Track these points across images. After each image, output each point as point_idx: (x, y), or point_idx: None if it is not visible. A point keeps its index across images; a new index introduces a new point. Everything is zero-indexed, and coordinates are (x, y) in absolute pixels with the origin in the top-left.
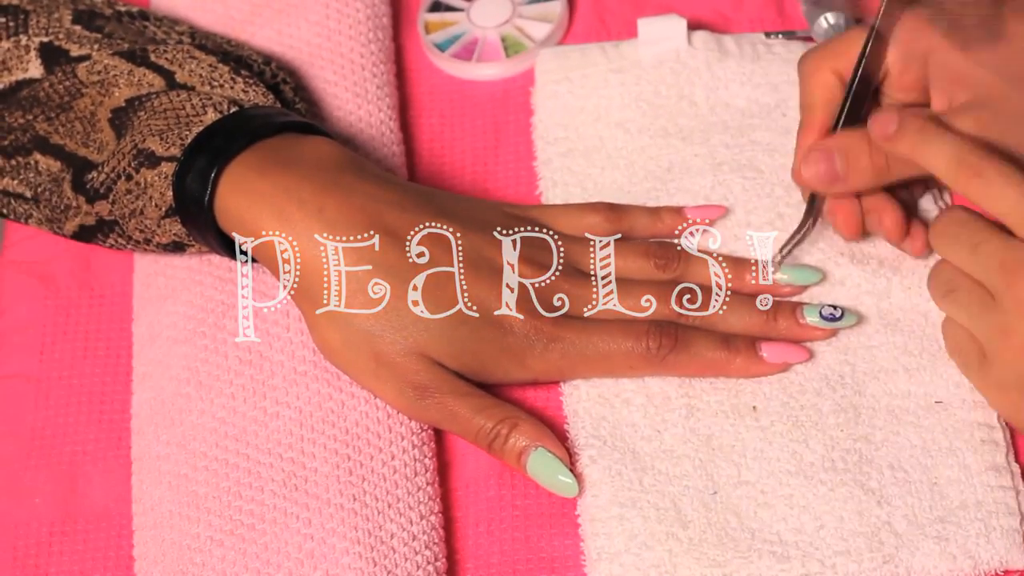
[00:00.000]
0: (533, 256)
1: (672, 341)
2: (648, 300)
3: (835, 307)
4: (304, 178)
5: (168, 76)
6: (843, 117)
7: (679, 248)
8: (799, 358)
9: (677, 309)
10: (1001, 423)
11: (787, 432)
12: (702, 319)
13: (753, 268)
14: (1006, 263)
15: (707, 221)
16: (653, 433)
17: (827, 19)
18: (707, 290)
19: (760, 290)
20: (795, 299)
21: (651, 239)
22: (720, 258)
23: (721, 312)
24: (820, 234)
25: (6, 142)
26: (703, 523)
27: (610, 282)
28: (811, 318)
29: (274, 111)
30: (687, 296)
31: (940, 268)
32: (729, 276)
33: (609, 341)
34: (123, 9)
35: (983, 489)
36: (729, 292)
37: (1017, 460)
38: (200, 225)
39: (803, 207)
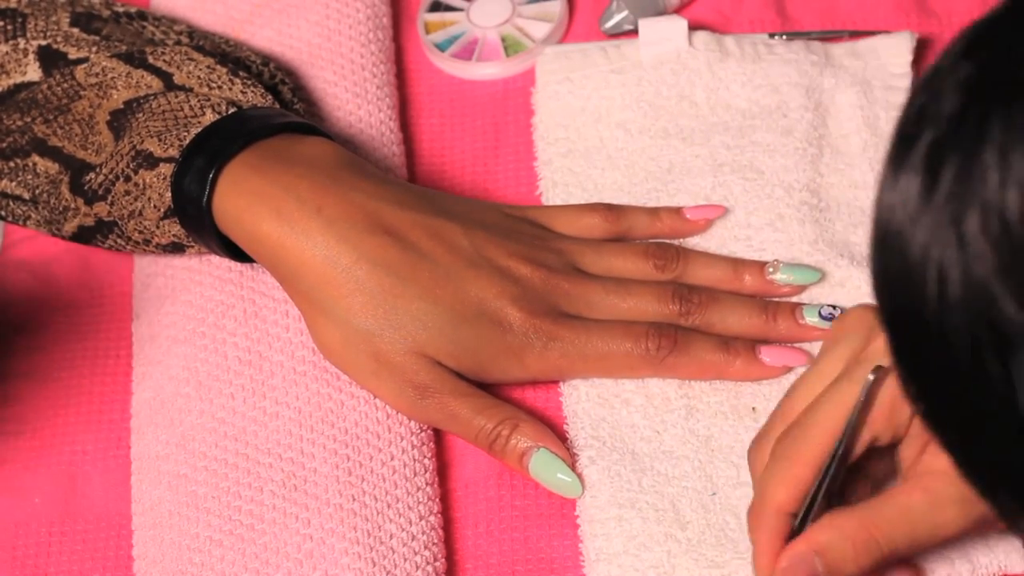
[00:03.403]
0: (533, 255)
1: (671, 343)
2: (648, 300)
3: (834, 307)
4: (302, 177)
5: (166, 78)
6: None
7: (678, 248)
8: (799, 362)
9: (676, 309)
10: None
11: None
12: (701, 320)
13: (752, 268)
14: None
15: (706, 221)
16: (652, 434)
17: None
18: (707, 290)
19: (759, 290)
20: (794, 299)
21: (651, 239)
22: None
23: (720, 313)
24: (819, 237)
25: (4, 144)
26: (702, 524)
27: (610, 282)
28: (810, 318)
29: (272, 112)
30: (686, 296)
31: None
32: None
33: (609, 341)
34: (121, 10)
35: None
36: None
37: None
38: (199, 226)
39: (802, 208)
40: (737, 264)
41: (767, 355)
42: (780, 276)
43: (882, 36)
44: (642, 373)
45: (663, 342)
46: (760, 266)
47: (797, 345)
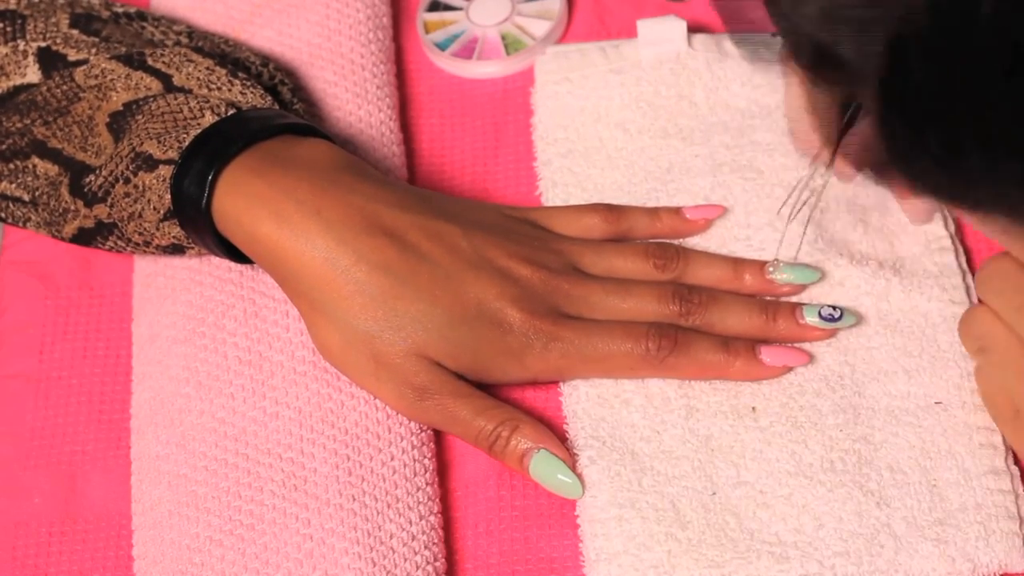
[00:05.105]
0: (532, 256)
1: (671, 343)
2: (648, 300)
3: (834, 307)
4: (302, 179)
5: (165, 79)
6: None
7: (678, 248)
8: (799, 361)
9: (676, 309)
10: None
11: (786, 433)
12: (701, 320)
13: (752, 268)
14: None
15: (705, 221)
16: (652, 434)
17: None
18: (707, 291)
19: (759, 290)
20: (794, 299)
21: (650, 239)
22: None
23: (720, 313)
24: (818, 237)
25: (4, 146)
26: (702, 524)
27: (610, 283)
28: (810, 318)
29: (272, 113)
30: (686, 296)
31: (974, 318)
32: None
33: (609, 342)
34: (121, 10)
35: (982, 492)
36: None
37: (1016, 463)
38: (198, 227)
39: (802, 208)
40: (737, 263)
41: (767, 355)
42: (780, 275)
43: None
44: (642, 373)
45: (663, 342)
46: (760, 265)
47: (797, 345)
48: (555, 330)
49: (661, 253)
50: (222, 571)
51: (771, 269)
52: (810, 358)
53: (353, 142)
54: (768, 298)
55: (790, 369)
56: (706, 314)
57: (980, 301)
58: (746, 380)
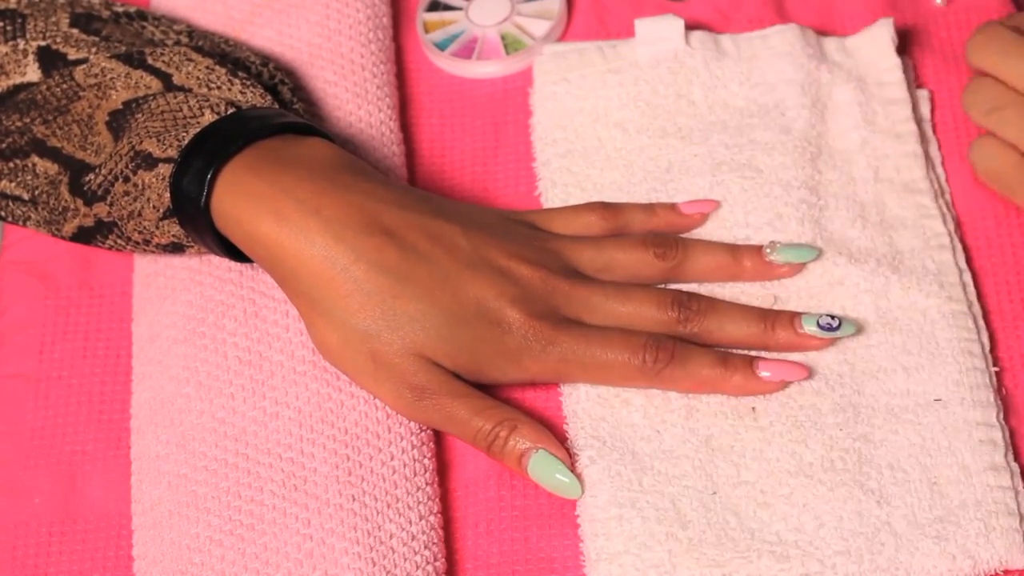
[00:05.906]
0: (532, 256)
1: (668, 356)
2: (647, 306)
3: (833, 317)
4: (302, 178)
5: (165, 78)
6: None
7: (677, 237)
8: (798, 376)
9: (675, 316)
10: (1000, 422)
11: (786, 432)
12: (699, 327)
13: (751, 252)
14: None
15: (701, 215)
16: (652, 433)
17: None
18: (706, 299)
19: (759, 273)
20: (794, 307)
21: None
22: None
23: (719, 321)
24: (817, 236)
25: (3, 145)
26: (702, 523)
27: (609, 286)
28: (809, 327)
29: (271, 112)
30: (685, 303)
31: (982, 83)
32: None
33: (607, 351)
34: (121, 10)
35: (982, 489)
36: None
37: (1016, 459)
38: (198, 226)
39: (800, 207)
40: (735, 249)
41: (766, 370)
42: (778, 256)
43: (863, 32)
44: (639, 384)
45: (660, 355)
46: (758, 249)
47: (796, 357)
48: (554, 334)
49: (660, 242)
50: (222, 571)
51: (768, 251)
52: (809, 373)
53: (353, 142)
54: (767, 308)
55: (788, 384)
56: (704, 321)
57: (975, 71)
58: (744, 395)
